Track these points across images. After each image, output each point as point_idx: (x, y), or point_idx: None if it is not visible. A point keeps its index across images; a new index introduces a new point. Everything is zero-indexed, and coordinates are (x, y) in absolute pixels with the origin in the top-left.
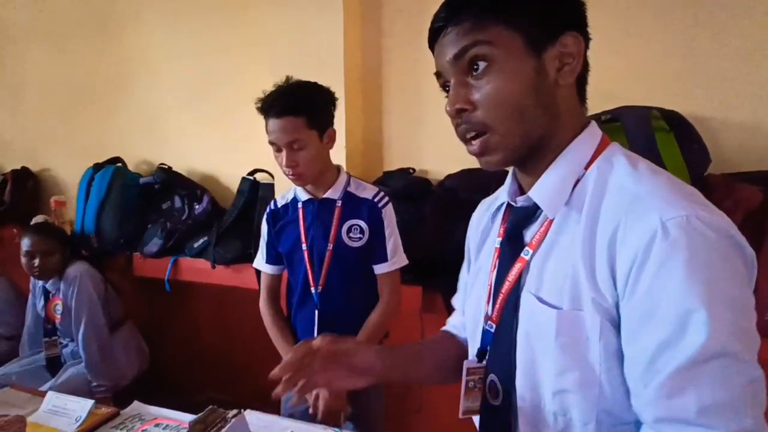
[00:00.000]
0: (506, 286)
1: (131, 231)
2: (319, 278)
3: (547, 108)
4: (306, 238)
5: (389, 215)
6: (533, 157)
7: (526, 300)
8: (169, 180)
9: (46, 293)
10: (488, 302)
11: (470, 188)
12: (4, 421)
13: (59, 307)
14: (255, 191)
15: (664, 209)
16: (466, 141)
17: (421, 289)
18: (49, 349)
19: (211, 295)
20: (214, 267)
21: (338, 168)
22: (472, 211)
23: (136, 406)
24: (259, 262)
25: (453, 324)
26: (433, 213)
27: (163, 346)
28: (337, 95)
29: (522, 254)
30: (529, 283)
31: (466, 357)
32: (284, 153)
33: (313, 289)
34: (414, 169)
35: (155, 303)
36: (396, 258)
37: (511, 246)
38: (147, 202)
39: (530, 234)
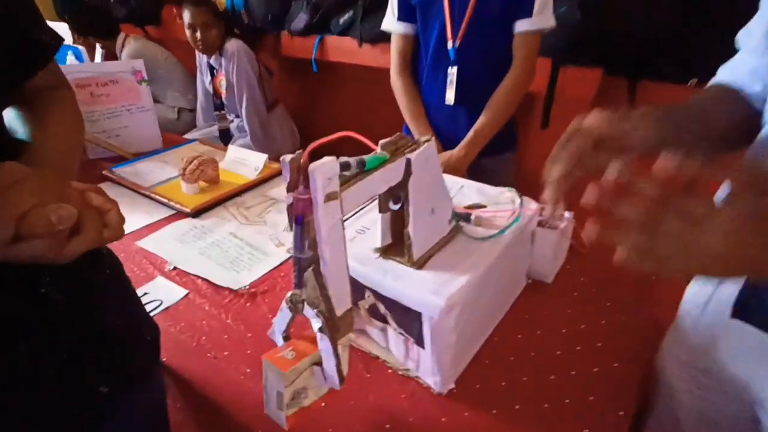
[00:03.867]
0: None
1: (277, 6)
2: (459, 31)
3: None
4: None
5: None
6: None
7: None
8: None
9: (211, 69)
10: None
11: None
12: (202, 159)
13: (223, 82)
14: None
15: None
16: None
17: (600, 73)
18: (221, 122)
19: (357, 77)
20: (360, 45)
21: None
22: None
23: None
24: (389, 20)
25: (733, 68)
26: None
27: (312, 130)
28: None
29: None
30: None
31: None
32: None
33: (450, 44)
34: None
35: (303, 85)
36: (542, 17)
37: None
38: None
39: None
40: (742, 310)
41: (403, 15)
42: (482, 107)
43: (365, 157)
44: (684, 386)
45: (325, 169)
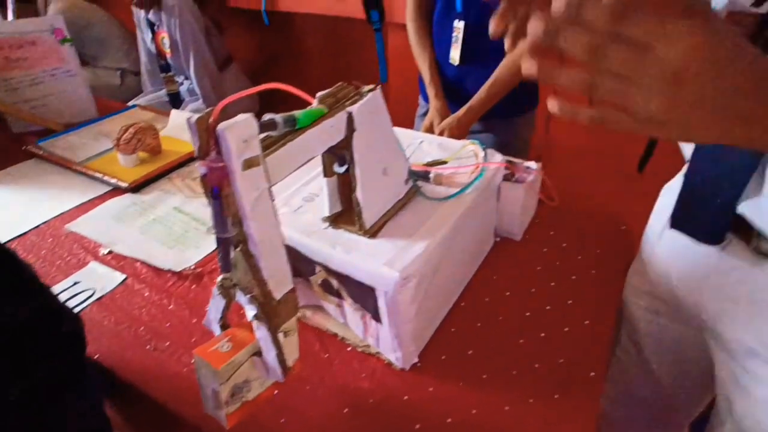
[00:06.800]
0: None
1: None
2: None
3: None
4: None
5: None
6: None
7: None
8: None
9: (151, 25)
10: None
11: None
12: (138, 127)
13: (166, 41)
14: None
15: None
16: None
17: None
18: (169, 85)
19: (314, 28)
20: None
21: None
22: None
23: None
24: None
25: None
26: None
27: (273, 90)
28: None
29: None
30: None
31: None
32: None
33: None
34: None
35: (256, 40)
36: None
37: None
38: None
39: None
40: (678, 222)
41: None
42: (493, 70)
43: (297, 112)
44: (645, 315)
45: (239, 130)
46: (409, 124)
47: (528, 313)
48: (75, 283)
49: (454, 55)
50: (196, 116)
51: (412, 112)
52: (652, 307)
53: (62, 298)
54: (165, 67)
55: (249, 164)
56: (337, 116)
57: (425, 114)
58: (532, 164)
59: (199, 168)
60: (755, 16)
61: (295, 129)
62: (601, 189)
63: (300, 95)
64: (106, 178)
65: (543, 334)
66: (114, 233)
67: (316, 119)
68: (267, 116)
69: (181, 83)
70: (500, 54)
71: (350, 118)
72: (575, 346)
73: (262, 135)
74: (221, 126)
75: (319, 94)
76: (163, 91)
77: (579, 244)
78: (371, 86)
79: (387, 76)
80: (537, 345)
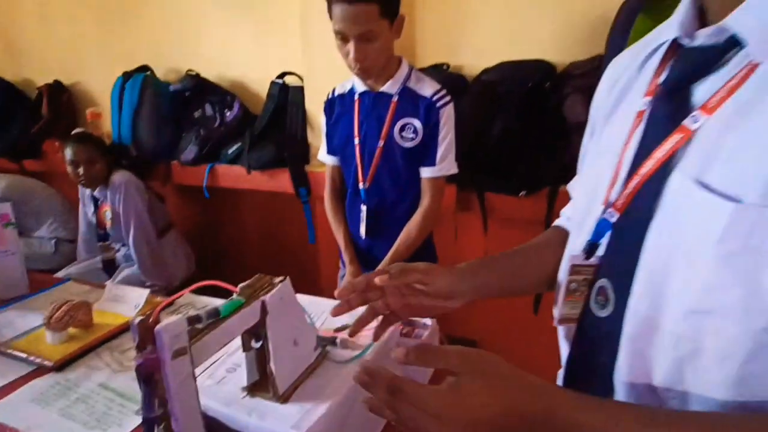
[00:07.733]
0: (650, 165)
1: (167, 139)
2: (367, 175)
3: None
4: (359, 132)
5: (447, 116)
6: None
7: (679, 186)
8: (198, 87)
9: (95, 201)
10: (612, 185)
11: (510, 80)
12: (72, 304)
13: (108, 214)
14: (285, 95)
15: None
16: None
17: (455, 188)
18: (104, 253)
19: (250, 201)
20: (249, 172)
21: (399, 59)
22: (511, 104)
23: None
24: (322, 153)
25: (567, 216)
26: (470, 109)
27: (209, 252)
28: None
29: (686, 122)
30: (688, 162)
31: None
32: (352, 45)
33: (361, 185)
34: (448, 65)
35: (197, 210)
36: (444, 164)
37: (670, 107)
38: (179, 111)
39: (706, 90)
40: None
41: (331, 150)
42: (393, 242)
43: (219, 306)
44: None
45: (172, 328)
46: (333, 281)
47: None
48: None
49: (362, 231)
50: (138, 319)
51: (338, 269)
52: None
53: None
54: (103, 237)
55: (177, 354)
56: (253, 305)
57: (344, 275)
58: (428, 321)
59: (135, 360)
60: (591, 266)
61: (218, 318)
62: (499, 334)
63: (224, 287)
64: (30, 358)
65: None
66: (32, 418)
67: (236, 309)
68: (194, 312)
69: (118, 250)
70: (398, 230)
71: (263, 306)
72: None
73: (189, 327)
74: (158, 327)
75: (240, 285)
76: (98, 258)
77: None
78: (282, 278)
79: (315, 238)
80: None
